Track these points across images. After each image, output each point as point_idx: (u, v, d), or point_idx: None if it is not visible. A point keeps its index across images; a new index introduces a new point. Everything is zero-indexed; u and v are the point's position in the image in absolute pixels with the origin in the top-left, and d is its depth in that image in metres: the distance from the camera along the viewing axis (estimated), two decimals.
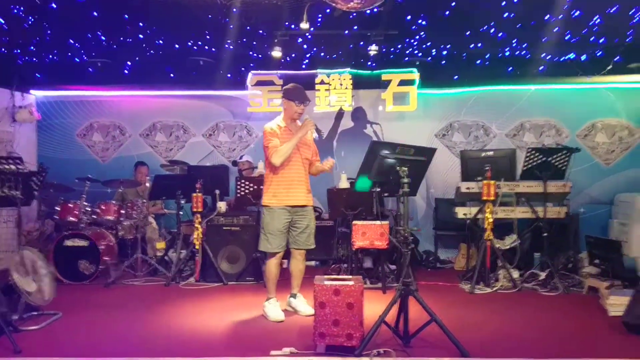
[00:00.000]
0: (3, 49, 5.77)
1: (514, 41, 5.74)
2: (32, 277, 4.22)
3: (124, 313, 4.50)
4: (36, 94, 7.35)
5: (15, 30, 5.04)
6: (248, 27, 5.09)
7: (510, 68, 6.59)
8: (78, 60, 6.38)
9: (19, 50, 5.88)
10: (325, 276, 3.85)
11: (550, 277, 5.25)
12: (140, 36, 5.41)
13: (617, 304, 4.24)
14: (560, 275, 5.31)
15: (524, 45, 5.88)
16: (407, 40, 5.78)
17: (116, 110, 7.51)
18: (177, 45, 5.86)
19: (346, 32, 5.37)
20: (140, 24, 5.06)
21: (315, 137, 4.25)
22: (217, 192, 5.89)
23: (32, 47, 5.86)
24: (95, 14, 4.58)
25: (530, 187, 5.54)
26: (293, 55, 6.32)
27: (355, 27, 5.26)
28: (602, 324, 4.09)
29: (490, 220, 5.17)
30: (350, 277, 3.82)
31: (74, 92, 7.35)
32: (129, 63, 6.59)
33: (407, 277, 3.52)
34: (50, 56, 6.26)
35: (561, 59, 6.42)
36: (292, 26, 5.07)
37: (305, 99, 4.27)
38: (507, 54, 6.22)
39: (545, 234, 5.31)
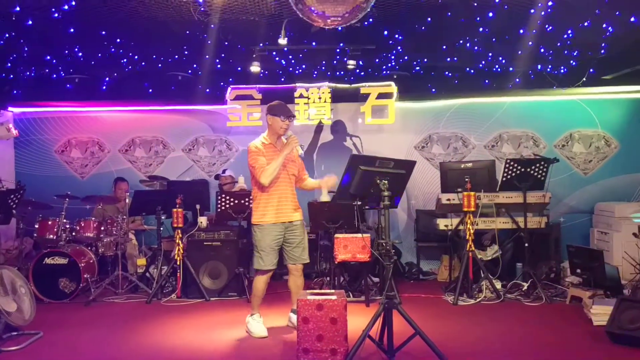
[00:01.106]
0: None
1: (489, 54, 5.85)
2: (12, 296, 4.18)
3: (105, 332, 4.44)
4: (14, 111, 7.25)
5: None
6: (226, 43, 5.11)
7: (487, 81, 6.70)
8: (55, 76, 6.31)
9: None
10: (309, 291, 3.85)
11: (533, 287, 5.28)
12: (120, 51, 5.38)
13: (600, 313, 4.27)
14: (542, 285, 5.35)
15: (499, 59, 5.99)
16: (385, 54, 5.86)
17: (94, 126, 7.43)
18: (155, 61, 5.84)
19: (324, 46, 5.42)
20: (118, 40, 5.04)
21: (300, 154, 4.29)
22: (198, 207, 5.84)
23: (8, 64, 5.78)
24: (72, 30, 4.54)
25: (510, 197, 5.59)
26: (272, 69, 6.34)
27: (333, 42, 5.31)
28: (586, 333, 4.12)
29: (472, 231, 5.20)
30: (333, 291, 3.83)
31: (51, 108, 7.27)
32: (107, 79, 6.55)
33: (390, 291, 3.53)
34: (28, 73, 6.18)
35: (537, 72, 6.55)
36: (270, 42, 5.09)
37: (290, 114, 4.32)
38: (483, 67, 6.32)
39: (526, 244, 5.35)
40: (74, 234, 5.85)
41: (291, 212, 4.29)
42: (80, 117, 7.42)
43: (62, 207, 5.82)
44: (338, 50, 5.50)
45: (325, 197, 5.90)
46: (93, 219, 5.99)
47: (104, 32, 4.79)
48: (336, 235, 5.31)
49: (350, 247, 5.20)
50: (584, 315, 4.53)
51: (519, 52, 5.58)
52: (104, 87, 6.66)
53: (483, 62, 6.15)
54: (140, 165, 7.45)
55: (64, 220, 5.79)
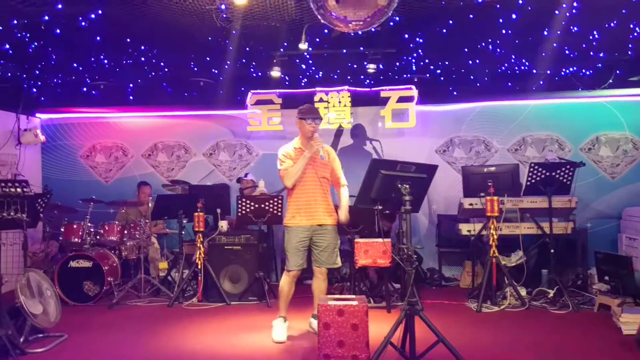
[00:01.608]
0: (8, 74, 5.83)
1: (512, 56, 5.75)
2: (38, 299, 4.26)
3: (128, 334, 4.49)
4: (41, 117, 7.42)
5: (19, 55, 5.09)
6: (247, 49, 5.13)
7: (510, 83, 6.59)
8: (82, 83, 6.43)
9: (24, 75, 5.94)
10: (330, 296, 3.83)
11: (559, 295, 5.16)
12: (142, 59, 5.46)
13: (630, 321, 4.16)
14: (569, 293, 5.21)
15: (522, 61, 5.88)
16: (405, 57, 5.80)
17: (118, 132, 7.56)
18: (178, 67, 5.91)
19: (344, 51, 5.40)
20: (142, 47, 5.11)
21: (321, 157, 4.22)
22: (219, 211, 5.88)
23: (37, 72, 5.92)
24: (98, 38, 4.63)
25: (534, 202, 5.51)
26: (292, 74, 6.35)
27: (353, 47, 5.28)
28: (615, 342, 4.00)
29: (495, 237, 5.11)
30: (354, 296, 3.80)
31: (77, 114, 7.42)
32: (131, 85, 6.64)
33: (412, 297, 3.48)
34: (55, 80, 6.31)
35: (561, 74, 6.42)
36: (291, 47, 5.10)
37: (316, 116, 4.31)
38: (506, 69, 6.22)
39: (552, 250, 5.25)
40: (98, 237, 5.96)
41: (321, 215, 4.28)
42: (105, 122, 7.54)
43: (87, 211, 5.92)
44: (358, 54, 5.47)
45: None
46: (116, 222, 6.09)
47: (128, 40, 4.86)
48: (356, 239, 5.27)
49: (371, 252, 5.17)
50: (613, 324, 4.42)
51: (543, 54, 5.47)
52: (129, 93, 6.76)
53: (506, 65, 6.05)
54: (163, 170, 7.53)
55: (89, 224, 5.90)
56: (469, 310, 5.12)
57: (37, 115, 7.32)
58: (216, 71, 6.16)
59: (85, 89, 6.50)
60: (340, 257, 6.19)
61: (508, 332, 4.38)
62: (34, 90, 6.51)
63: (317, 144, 4.19)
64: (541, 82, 6.43)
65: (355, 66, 5.99)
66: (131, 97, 6.76)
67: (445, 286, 6.47)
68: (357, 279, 5.44)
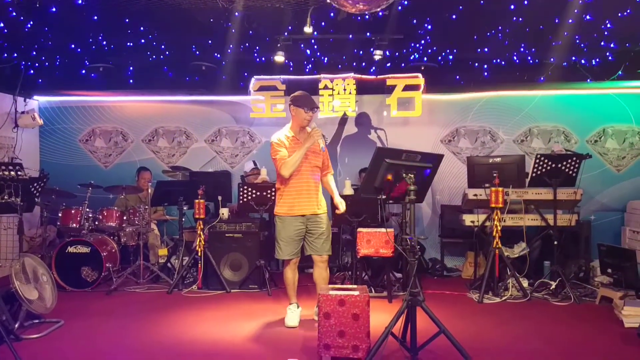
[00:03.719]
0: (4, 54, 5.72)
1: (522, 45, 5.63)
2: (34, 284, 4.19)
3: (126, 321, 4.44)
4: (39, 100, 7.32)
5: (15, 35, 4.98)
6: (251, 32, 5.02)
7: (518, 73, 6.48)
8: (80, 65, 6.31)
9: (20, 56, 5.82)
10: (330, 286, 3.78)
11: (561, 287, 5.13)
12: (142, 41, 5.35)
13: (632, 314, 4.15)
14: (571, 285, 5.20)
15: (532, 50, 5.77)
16: (413, 44, 5.69)
17: (118, 116, 7.47)
18: (179, 51, 5.79)
19: (350, 36, 5.29)
20: (141, 28, 4.99)
21: (322, 148, 4.19)
22: (220, 198, 5.81)
23: (33, 52, 5.81)
24: (95, 17, 4.51)
25: (539, 194, 5.44)
26: (296, 60, 6.23)
27: (360, 32, 5.17)
28: (617, 335, 3.97)
29: (499, 228, 5.06)
30: (356, 286, 3.74)
31: (76, 97, 7.32)
32: (131, 68, 6.53)
33: (414, 287, 3.45)
34: (53, 61, 6.20)
35: (570, 64, 6.30)
36: (295, 31, 4.98)
37: (313, 105, 4.24)
38: (515, 58, 6.10)
39: (555, 242, 5.20)
40: (96, 223, 5.90)
41: (314, 204, 4.24)
42: (104, 106, 7.44)
43: (86, 196, 5.84)
44: (365, 40, 5.35)
45: (348, 190, 5.84)
46: (115, 208, 6.02)
47: (127, 20, 4.75)
48: (359, 229, 5.22)
49: (374, 241, 5.11)
50: (615, 317, 4.40)
51: (553, 43, 5.37)
52: (128, 76, 6.64)
53: (515, 54, 5.93)
54: (163, 156, 7.45)
55: (87, 210, 5.83)
56: (471, 301, 5.09)
57: (35, 97, 7.23)
58: (218, 55, 6.04)
59: (84, 72, 6.39)
60: (343, 246, 6.26)
61: (509, 323, 4.35)
62: (32, 72, 6.39)
63: (317, 135, 4.12)
64: (549, 73, 6.31)
65: (361, 52, 5.88)
66: (131, 81, 6.63)
67: (447, 276, 6.45)
68: (359, 269, 5.39)
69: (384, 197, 3.67)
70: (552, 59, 6.05)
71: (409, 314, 3.40)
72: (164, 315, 4.62)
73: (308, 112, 4.18)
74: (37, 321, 4.22)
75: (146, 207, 5.95)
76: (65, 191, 5.98)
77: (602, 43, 5.47)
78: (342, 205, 4.35)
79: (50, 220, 6.02)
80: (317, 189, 4.28)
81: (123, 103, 7.43)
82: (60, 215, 5.83)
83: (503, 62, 6.19)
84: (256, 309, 4.82)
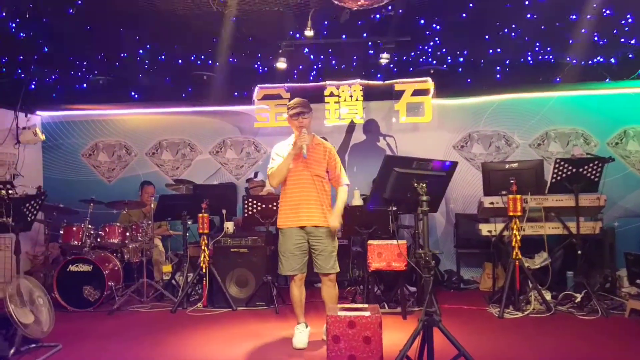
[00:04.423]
0: (3, 69, 5.60)
1: (537, 44, 5.37)
2: (29, 307, 4.00)
3: (127, 345, 4.24)
4: (42, 115, 7.24)
5: (11, 47, 4.84)
6: (250, 38, 4.82)
7: (533, 74, 6.22)
8: (81, 79, 6.19)
9: (19, 69, 5.70)
10: (339, 305, 3.54)
11: (587, 299, 4.84)
12: (141, 51, 5.18)
13: None
14: (597, 297, 4.92)
15: (547, 49, 5.50)
16: (421, 47, 5.46)
17: (121, 129, 7.36)
18: (179, 61, 5.62)
19: (354, 40, 5.06)
20: (137, 37, 4.83)
21: (304, 155, 3.88)
22: (224, 211, 5.60)
23: (32, 67, 5.68)
24: (88, 27, 4.35)
25: (560, 200, 5.24)
26: (300, 67, 6.04)
27: (365, 35, 4.95)
28: None
29: (518, 237, 4.83)
30: (367, 306, 3.50)
31: (78, 112, 7.23)
32: (131, 81, 6.38)
33: (430, 306, 3.21)
34: (53, 75, 6.08)
35: (588, 63, 6.02)
36: (297, 35, 4.78)
37: (299, 110, 3.96)
38: (529, 58, 5.83)
39: (579, 252, 4.95)
40: (98, 240, 5.74)
41: (316, 215, 3.96)
42: (107, 119, 7.35)
43: (88, 212, 5.68)
44: (370, 43, 5.14)
45: (357, 201, 5.61)
46: (118, 224, 5.86)
47: (122, 30, 4.58)
48: (369, 241, 4.98)
49: (385, 254, 4.86)
50: None
51: (570, 41, 5.11)
52: (130, 89, 6.52)
53: (529, 53, 5.67)
54: (168, 169, 7.30)
55: (89, 226, 5.67)
56: (491, 316, 4.84)
57: (38, 112, 7.16)
58: (219, 64, 5.86)
59: (85, 85, 6.26)
60: (353, 259, 6.02)
61: (533, 340, 4.08)
62: (33, 86, 6.28)
63: (302, 140, 3.88)
64: (566, 73, 6.04)
65: (368, 55, 5.65)
66: (133, 93, 6.49)
67: (464, 289, 6.24)
68: (370, 282, 5.13)
69: (394, 208, 3.45)
70: (568, 58, 5.78)
71: (425, 335, 3.16)
72: (167, 336, 4.42)
73: (297, 119, 3.96)
74: (34, 345, 4.03)
75: (149, 222, 5.77)
76: (66, 207, 5.83)
77: (622, 40, 5.19)
78: (331, 222, 3.97)
79: (53, 237, 5.88)
80: (320, 201, 3.99)
81: (126, 116, 7.32)
82: (61, 232, 5.67)
83: (517, 63, 5.92)
84: (263, 328, 4.61)
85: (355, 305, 3.50)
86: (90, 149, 7.37)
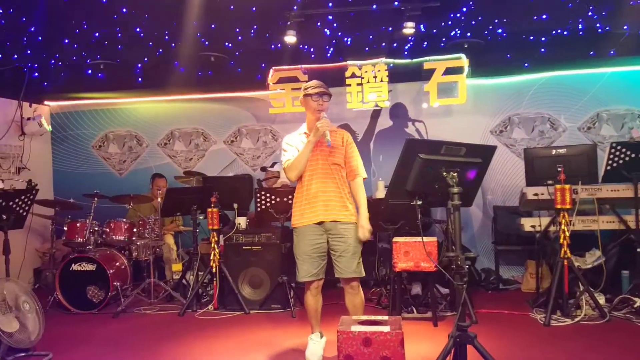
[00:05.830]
0: (0, 55, 5.29)
1: (590, 9, 4.65)
2: (15, 313, 3.72)
3: (125, 352, 3.93)
4: (50, 105, 6.99)
5: (9, 33, 4.50)
6: (254, 9, 4.28)
7: (582, 47, 5.51)
8: (83, 65, 5.82)
9: (19, 56, 5.39)
10: (354, 317, 3.03)
11: None
12: (137, 29, 4.74)
13: None
14: None
15: (602, 14, 4.76)
16: (452, 14, 4.78)
17: (132, 119, 7.04)
18: (184, 40, 5.14)
19: (374, 6, 4.43)
20: (124, 10, 4.37)
21: (327, 143, 3.39)
22: (236, 205, 5.17)
23: (29, 52, 5.35)
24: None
25: (616, 191, 4.78)
26: (316, 44, 5.45)
27: (387, 2, 4.34)
28: None
29: (567, 233, 4.33)
30: (387, 318, 2.97)
31: (87, 101, 6.94)
32: (139, 65, 5.98)
33: (462, 320, 2.72)
34: (52, 61, 5.72)
35: None
36: (308, 4, 4.22)
37: (322, 91, 3.50)
38: (580, 27, 5.09)
39: (638, 249, 4.50)
40: (104, 236, 5.44)
41: (336, 208, 3.47)
42: (116, 108, 7.06)
43: (92, 207, 5.34)
44: (392, 14, 4.52)
45: (382, 193, 5.08)
46: (124, 220, 5.54)
47: (124, 10, 4.14)
48: (395, 238, 4.47)
49: (413, 253, 4.35)
50: None
51: (631, 2, 4.37)
52: (137, 75, 6.12)
53: (581, 21, 4.92)
54: (180, 160, 6.94)
55: (94, 222, 5.36)
56: (535, 323, 4.35)
57: (46, 103, 6.91)
58: (230, 45, 5.37)
59: (90, 71, 5.89)
60: (379, 256, 5.51)
61: (586, 352, 3.61)
62: (37, 74, 5.97)
63: (323, 125, 3.38)
64: (621, 44, 5.30)
65: (390, 29, 5.02)
66: (140, 79, 6.09)
67: (504, 290, 5.73)
68: (397, 283, 4.62)
69: (419, 202, 2.91)
70: (625, 26, 5.01)
71: (457, 352, 2.71)
72: (173, 343, 4.08)
73: (317, 100, 3.49)
74: (22, 354, 3.76)
75: (157, 217, 5.40)
76: (69, 202, 5.50)
77: None
78: (362, 232, 3.46)
79: (61, 233, 5.59)
80: (340, 193, 3.50)
81: (135, 104, 6.99)
82: (65, 228, 5.39)
83: (565, 32, 5.19)
84: (278, 334, 4.23)
85: (372, 318, 2.97)
86: (100, 140, 7.08)
